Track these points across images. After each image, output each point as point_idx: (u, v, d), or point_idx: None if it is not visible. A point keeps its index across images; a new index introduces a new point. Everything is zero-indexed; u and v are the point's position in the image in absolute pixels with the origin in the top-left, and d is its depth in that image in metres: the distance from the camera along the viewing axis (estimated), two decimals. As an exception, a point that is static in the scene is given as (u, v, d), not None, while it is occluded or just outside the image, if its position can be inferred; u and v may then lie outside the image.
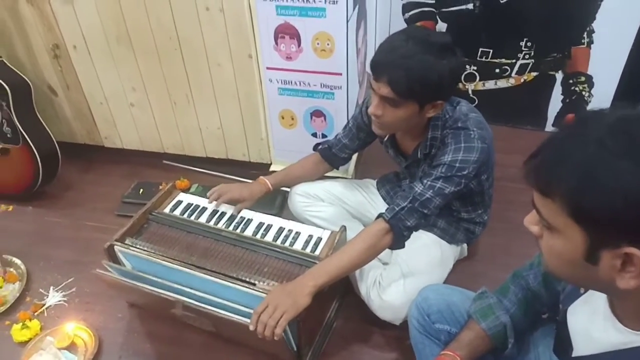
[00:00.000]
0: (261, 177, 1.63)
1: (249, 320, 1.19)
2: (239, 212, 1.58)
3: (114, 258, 1.48)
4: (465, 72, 2.35)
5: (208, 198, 1.61)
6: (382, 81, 1.23)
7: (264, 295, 1.25)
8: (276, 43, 1.75)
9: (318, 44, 1.71)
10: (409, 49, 1.20)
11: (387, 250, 1.38)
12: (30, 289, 1.74)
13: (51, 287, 1.74)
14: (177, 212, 1.60)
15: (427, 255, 1.51)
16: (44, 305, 1.68)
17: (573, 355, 0.84)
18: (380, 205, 1.67)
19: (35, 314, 1.65)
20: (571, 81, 2.26)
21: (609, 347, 0.74)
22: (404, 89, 1.22)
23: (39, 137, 2.04)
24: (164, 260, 1.41)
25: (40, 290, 1.73)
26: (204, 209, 1.61)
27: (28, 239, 1.97)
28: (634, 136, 0.59)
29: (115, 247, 1.46)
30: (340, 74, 1.76)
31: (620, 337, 0.72)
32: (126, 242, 1.48)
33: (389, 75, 1.22)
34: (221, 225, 1.55)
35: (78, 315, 1.64)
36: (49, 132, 2.09)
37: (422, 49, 1.19)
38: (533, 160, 0.67)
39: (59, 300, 1.69)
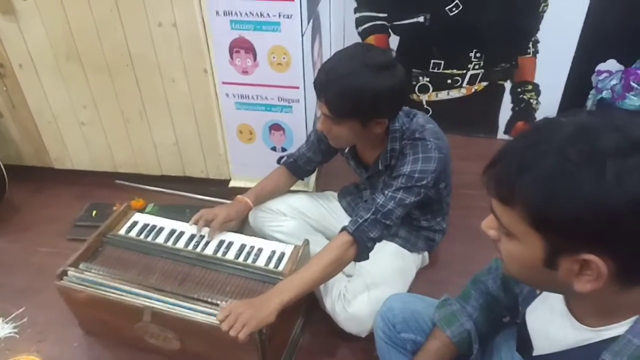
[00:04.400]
0: (239, 196, 1.61)
1: (218, 322, 1.18)
2: (221, 232, 1.54)
3: (67, 284, 1.42)
4: (419, 84, 2.41)
5: (191, 224, 1.54)
6: (321, 100, 1.28)
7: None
8: (231, 57, 1.74)
9: (274, 57, 1.71)
10: (346, 68, 1.22)
11: (351, 263, 1.38)
12: (-23, 322, 1.65)
13: (0, 319, 1.64)
14: (133, 234, 1.55)
15: (390, 265, 1.52)
16: (-8, 338, 1.59)
17: (534, 354, 0.86)
18: (342, 217, 1.68)
19: (-17, 348, 1.56)
20: (519, 90, 2.35)
21: (568, 345, 0.76)
22: (339, 109, 1.26)
23: (-17, 160, 1.95)
24: (121, 284, 1.36)
25: (-12, 322, 1.64)
26: (161, 229, 1.56)
27: (-27, 267, 1.86)
28: (594, 146, 0.59)
29: (69, 272, 1.40)
30: (298, 87, 1.77)
31: (577, 334, 0.74)
32: (80, 266, 1.42)
33: (325, 95, 1.26)
34: (180, 245, 1.51)
35: (30, 347, 1.55)
36: (-6, 154, 2.00)
37: (359, 68, 1.22)
38: (492, 169, 0.67)
39: (9, 333, 1.60)
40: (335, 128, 1.32)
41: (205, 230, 1.53)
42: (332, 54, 1.33)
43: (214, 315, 1.24)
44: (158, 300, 1.30)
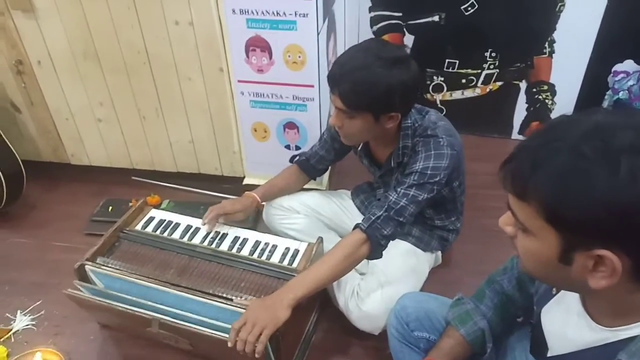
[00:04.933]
0: (247, 192, 1.61)
1: (227, 336, 1.17)
2: (228, 221, 1.56)
3: (84, 278, 1.44)
4: (433, 83, 2.40)
5: (204, 224, 1.55)
6: (335, 93, 1.28)
7: (242, 310, 1.24)
8: (247, 56, 1.75)
9: (289, 56, 1.71)
10: (360, 61, 1.24)
11: (364, 261, 1.38)
12: (-4, 314, 1.68)
13: (18, 311, 1.67)
14: (149, 229, 1.57)
15: (403, 264, 1.52)
16: (10, 330, 1.61)
17: (549, 355, 0.86)
18: (355, 215, 1.68)
19: (2, 339, 1.58)
20: (535, 90, 2.33)
21: (583, 345, 0.76)
22: (352, 101, 1.26)
23: (2, 156, 1.98)
24: (137, 278, 1.38)
25: (7, 314, 1.66)
26: (177, 225, 1.58)
27: (-8, 261, 1.89)
28: (608, 143, 0.59)
29: (87, 267, 1.41)
30: (312, 86, 1.77)
31: (593, 335, 0.74)
32: (97, 261, 1.44)
33: (339, 88, 1.26)
34: (196, 241, 1.52)
35: (47, 340, 1.57)
36: (13, 150, 2.03)
37: (373, 61, 1.23)
38: (508, 165, 0.68)
39: (27, 325, 1.63)
40: (348, 122, 1.32)
41: (218, 227, 1.55)
42: (346, 52, 1.34)
43: (226, 308, 1.25)
44: (167, 307, 1.29)
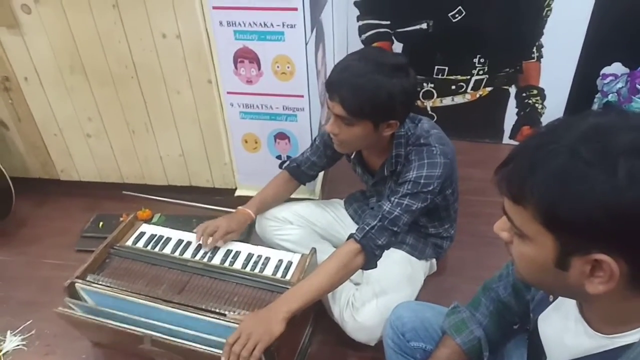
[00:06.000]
0: (240, 207, 1.60)
1: (221, 352, 1.16)
2: (224, 243, 1.53)
3: (75, 296, 1.41)
4: (423, 90, 2.41)
5: (197, 239, 1.53)
6: (335, 100, 1.27)
7: (235, 325, 1.22)
8: (236, 67, 1.74)
9: (278, 67, 1.71)
10: (361, 68, 1.23)
11: (359, 271, 1.37)
12: (-15, 335, 1.65)
13: (8, 332, 1.64)
14: (140, 244, 1.55)
15: (398, 273, 1.51)
16: (0, 351, 1.58)
17: (546, 362, 0.85)
18: (349, 224, 1.67)
19: (-9, 361, 1.56)
20: (524, 94, 2.34)
21: (581, 352, 0.75)
22: (354, 108, 1.24)
23: (-11, 173, 1.95)
24: (128, 295, 1.36)
25: (-4, 335, 1.64)
26: (168, 239, 1.56)
27: (-20, 281, 1.86)
28: (605, 144, 0.58)
29: (77, 284, 1.39)
30: (302, 96, 1.77)
31: (591, 342, 0.73)
32: (88, 278, 1.42)
33: (340, 94, 1.25)
34: (187, 255, 1.51)
35: (38, 360, 1.55)
36: (1, 167, 2.00)
37: (374, 68, 1.22)
38: (504, 169, 0.67)
39: (17, 345, 1.60)
40: (346, 129, 1.30)
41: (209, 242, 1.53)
42: (335, 62, 1.33)
43: (220, 324, 1.24)
44: (159, 323, 1.28)
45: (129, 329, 1.28)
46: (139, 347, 1.30)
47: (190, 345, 1.22)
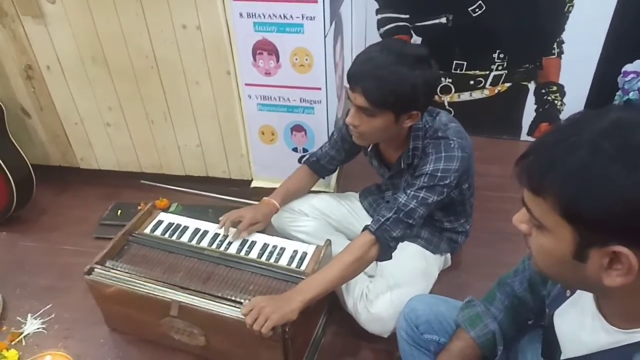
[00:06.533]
0: (265, 198, 1.61)
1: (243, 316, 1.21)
2: (248, 234, 1.55)
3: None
4: (441, 85, 2.39)
5: (219, 228, 1.56)
6: (357, 91, 1.26)
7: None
8: (254, 59, 1.75)
9: (296, 59, 1.72)
10: (383, 59, 1.23)
11: (373, 263, 1.37)
12: (7, 318, 1.68)
13: (29, 315, 1.68)
14: (158, 233, 1.58)
15: (413, 266, 1.51)
16: (21, 333, 1.62)
17: (561, 358, 0.85)
18: (363, 218, 1.67)
19: (13, 343, 1.59)
20: (543, 91, 2.32)
21: (597, 347, 0.75)
22: (378, 99, 1.24)
23: (12, 161, 1.99)
24: (147, 281, 1.38)
25: (18, 318, 1.67)
26: (185, 228, 1.58)
27: (3, 266, 1.90)
28: (628, 139, 0.59)
29: (96, 270, 1.42)
30: (320, 89, 1.77)
31: (608, 337, 0.73)
32: (107, 264, 1.45)
33: (363, 85, 1.25)
34: (204, 244, 1.53)
35: (58, 343, 1.58)
36: (23, 155, 2.05)
37: (396, 60, 1.22)
38: (524, 160, 0.67)
39: (38, 328, 1.63)
40: (367, 121, 1.30)
41: (231, 232, 1.54)
42: (353, 55, 1.33)
43: (239, 310, 1.26)
44: (184, 296, 1.33)
45: (158, 295, 1.32)
46: (161, 321, 1.33)
47: (215, 311, 1.26)
